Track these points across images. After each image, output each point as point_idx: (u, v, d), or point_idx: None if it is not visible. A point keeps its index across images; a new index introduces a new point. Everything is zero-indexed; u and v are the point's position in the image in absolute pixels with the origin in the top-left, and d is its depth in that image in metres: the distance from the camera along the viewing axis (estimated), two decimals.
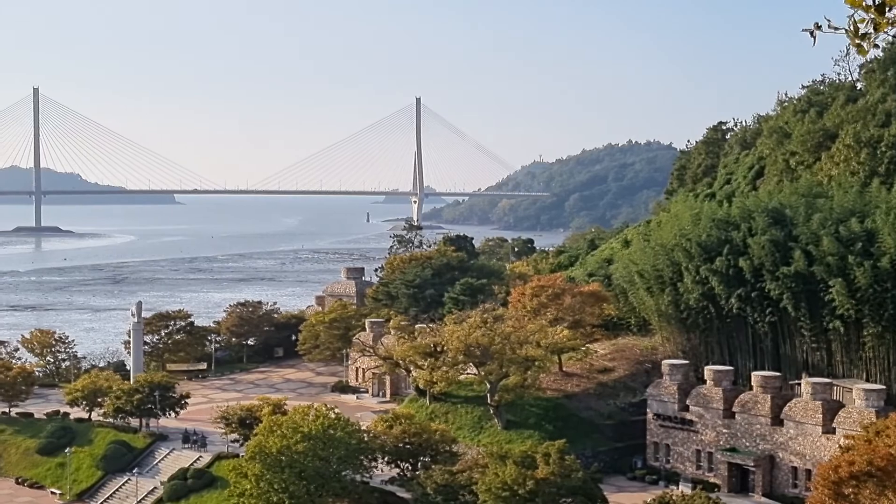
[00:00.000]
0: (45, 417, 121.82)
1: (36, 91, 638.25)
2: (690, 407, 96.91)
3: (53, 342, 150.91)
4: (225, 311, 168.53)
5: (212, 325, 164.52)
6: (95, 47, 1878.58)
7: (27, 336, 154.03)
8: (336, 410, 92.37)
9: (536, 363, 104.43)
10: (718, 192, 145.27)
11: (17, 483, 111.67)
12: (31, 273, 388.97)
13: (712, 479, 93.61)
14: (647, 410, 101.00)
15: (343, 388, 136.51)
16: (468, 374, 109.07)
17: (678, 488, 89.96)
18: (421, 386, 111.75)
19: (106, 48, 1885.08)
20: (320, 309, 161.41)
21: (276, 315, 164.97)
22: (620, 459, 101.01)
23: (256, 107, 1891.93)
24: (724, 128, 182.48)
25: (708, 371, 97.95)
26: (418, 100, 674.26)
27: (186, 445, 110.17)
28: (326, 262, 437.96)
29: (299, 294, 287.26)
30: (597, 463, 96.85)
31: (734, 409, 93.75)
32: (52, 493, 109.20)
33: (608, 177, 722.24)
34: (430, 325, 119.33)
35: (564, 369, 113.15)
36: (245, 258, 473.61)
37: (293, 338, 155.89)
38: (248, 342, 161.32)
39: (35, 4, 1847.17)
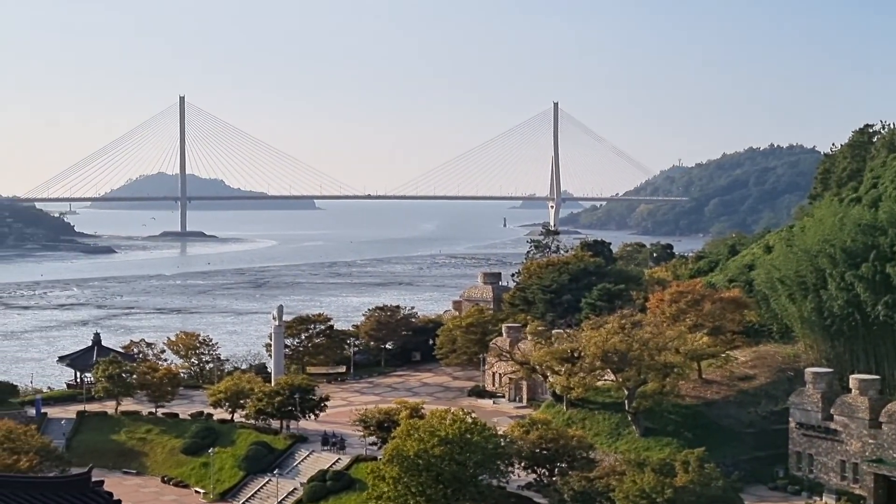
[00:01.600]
0: (189, 418, 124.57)
1: (182, 99, 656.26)
2: (835, 416, 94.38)
3: (198, 344, 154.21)
4: (364, 314, 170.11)
5: (351, 328, 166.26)
6: (239, 55, 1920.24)
7: (173, 338, 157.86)
8: (473, 415, 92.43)
9: (675, 370, 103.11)
10: (864, 197, 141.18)
11: (163, 481, 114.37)
12: (176, 277, 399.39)
13: (858, 491, 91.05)
14: (790, 419, 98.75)
15: (480, 392, 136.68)
16: (605, 380, 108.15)
17: (822, 499, 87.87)
18: (558, 391, 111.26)
19: (248, 56, 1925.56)
20: (457, 313, 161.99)
21: (413, 319, 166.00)
22: (761, 469, 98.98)
23: (396, 112, 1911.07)
24: (870, 130, 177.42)
25: (853, 380, 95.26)
26: (556, 104, 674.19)
27: (326, 447, 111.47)
28: (463, 267, 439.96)
29: (437, 298, 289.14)
30: (737, 472, 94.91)
31: (881, 420, 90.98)
32: (197, 491, 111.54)
33: (749, 181, 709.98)
34: (568, 331, 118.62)
35: (704, 376, 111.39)
36: (383, 263, 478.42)
37: (430, 342, 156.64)
38: (387, 346, 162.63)
39: (182, 14, 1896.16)
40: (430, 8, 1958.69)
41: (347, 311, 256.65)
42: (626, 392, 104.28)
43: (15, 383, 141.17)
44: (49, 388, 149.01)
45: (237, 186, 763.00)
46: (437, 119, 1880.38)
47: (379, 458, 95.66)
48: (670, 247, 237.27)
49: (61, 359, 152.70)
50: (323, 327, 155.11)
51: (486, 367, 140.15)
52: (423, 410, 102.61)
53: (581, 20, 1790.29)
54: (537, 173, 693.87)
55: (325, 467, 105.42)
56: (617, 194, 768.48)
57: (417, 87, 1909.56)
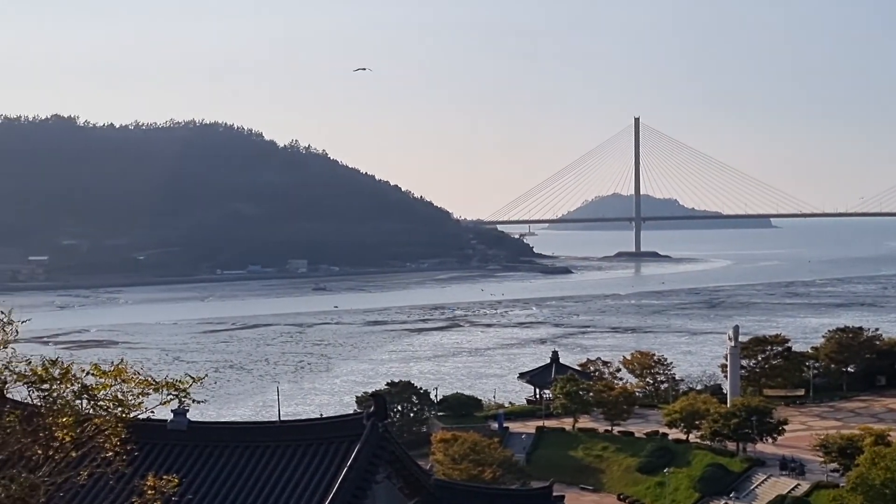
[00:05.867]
0: (644, 437, 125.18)
1: (637, 121, 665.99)
2: None
3: (652, 364, 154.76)
4: (823, 336, 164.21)
5: (809, 350, 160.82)
6: (692, 72, 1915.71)
7: (628, 357, 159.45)
8: None
9: None
10: None
11: (619, 499, 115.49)
12: (630, 296, 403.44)
13: None
14: None
15: None
16: None
17: None
18: None
19: (700, 72, 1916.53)
20: None
21: (878, 342, 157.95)
22: None
23: (861, 121, 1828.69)
24: None
25: None
26: None
27: (784, 472, 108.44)
28: None
29: None
30: None
31: None
32: None
33: None
34: None
35: None
36: (843, 283, 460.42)
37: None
38: (848, 369, 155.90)
39: (637, 36, 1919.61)
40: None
41: (805, 332, 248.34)
42: None
43: (479, 398, 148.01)
44: (510, 403, 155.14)
45: (691, 206, 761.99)
46: None
47: (841, 485, 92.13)
48: None
49: (521, 375, 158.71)
50: (780, 349, 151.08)
51: None
52: (889, 438, 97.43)
53: None
54: None
55: (784, 492, 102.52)
56: None
57: (884, 94, 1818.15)
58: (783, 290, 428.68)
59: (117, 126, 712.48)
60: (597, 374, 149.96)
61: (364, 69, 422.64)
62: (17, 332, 23.09)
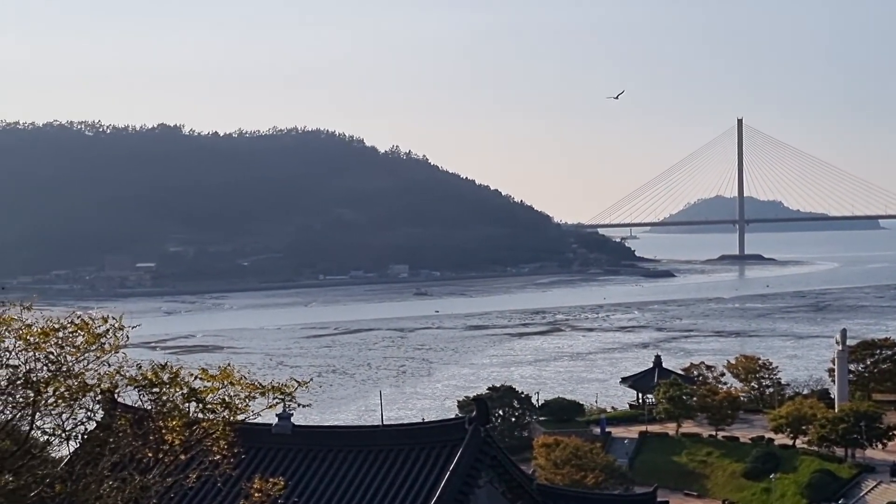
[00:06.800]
0: (749, 442, 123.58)
1: (740, 122, 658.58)
2: None
3: (757, 368, 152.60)
4: None
5: None
6: (791, 72, 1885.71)
7: (732, 361, 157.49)
8: None
9: None
10: None
11: None
12: (734, 300, 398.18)
13: None
14: None
15: None
16: None
17: None
18: None
19: (801, 72, 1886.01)
20: None
21: None
22: None
23: None
24: None
25: None
26: None
27: (894, 479, 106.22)
28: None
29: None
30: None
31: None
32: None
33: None
34: None
35: None
36: None
37: None
38: None
39: (735, 39, 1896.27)
40: None
41: None
42: None
43: (581, 402, 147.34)
44: (612, 408, 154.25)
45: (796, 208, 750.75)
46: None
47: None
48: None
49: (624, 380, 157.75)
50: (890, 352, 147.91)
51: None
52: None
53: None
54: None
55: (895, 499, 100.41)
56: None
57: None
58: (892, 292, 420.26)
59: (221, 134, 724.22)
60: (700, 378, 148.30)
61: (617, 96, 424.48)
62: (127, 337, 23.62)
